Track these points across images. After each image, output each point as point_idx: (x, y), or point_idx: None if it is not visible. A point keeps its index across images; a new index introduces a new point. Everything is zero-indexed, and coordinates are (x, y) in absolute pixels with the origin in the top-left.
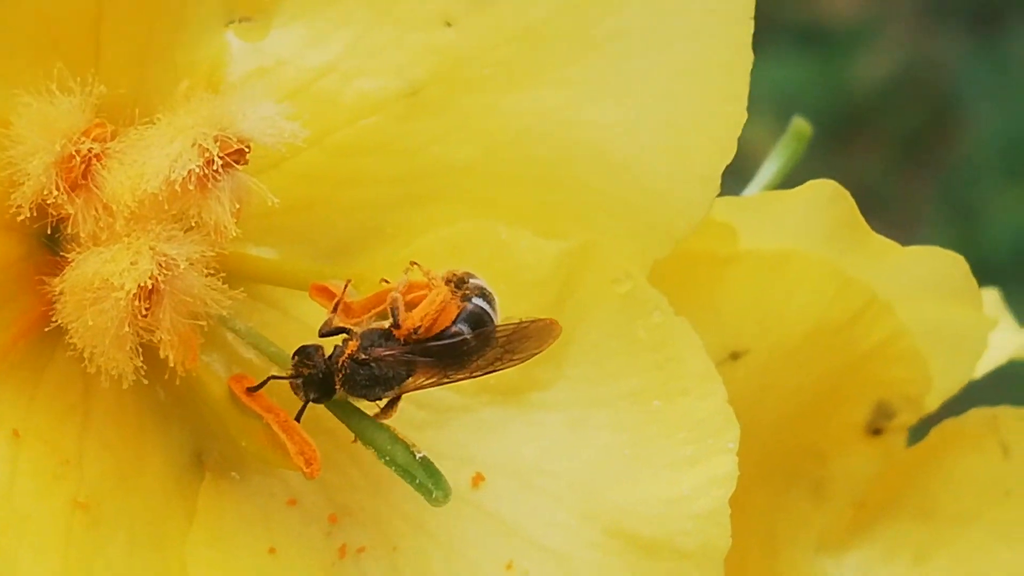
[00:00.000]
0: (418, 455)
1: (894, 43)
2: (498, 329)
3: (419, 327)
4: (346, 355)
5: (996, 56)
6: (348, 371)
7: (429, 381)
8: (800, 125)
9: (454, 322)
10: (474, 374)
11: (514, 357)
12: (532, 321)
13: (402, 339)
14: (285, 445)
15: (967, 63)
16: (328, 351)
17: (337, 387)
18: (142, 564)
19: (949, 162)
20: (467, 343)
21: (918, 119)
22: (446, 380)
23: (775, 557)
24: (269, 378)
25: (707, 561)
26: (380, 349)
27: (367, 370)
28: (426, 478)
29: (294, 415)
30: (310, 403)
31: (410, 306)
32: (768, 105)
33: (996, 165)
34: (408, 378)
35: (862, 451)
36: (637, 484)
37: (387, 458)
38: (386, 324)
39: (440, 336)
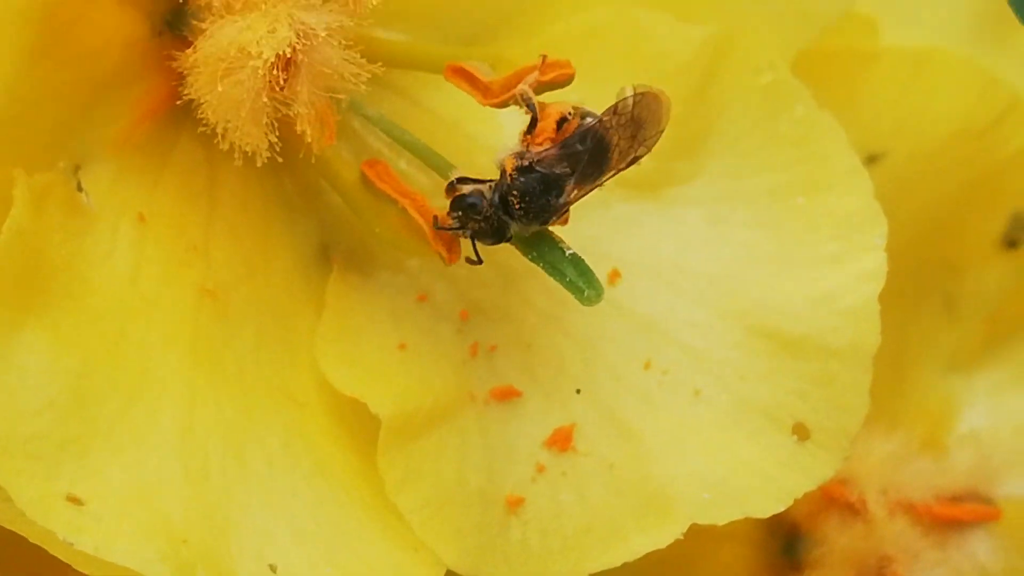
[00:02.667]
0: (568, 251)
1: None
2: (618, 112)
3: (565, 116)
4: (511, 169)
5: None
6: (521, 182)
7: (583, 190)
8: None
9: (579, 128)
10: (617, 168)
11: (645, 142)
12: (641, 95)
13: (541, 139)
14: (423, 229)
15: None
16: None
17: (515, 213)
18: (270, 357)
19: None
20: (607, 127)
21: None
22: (596, 185)
23: (904, 374)
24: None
25: (856, 359)
26: (534, 153)
27: (536, 175)
28: (576, 276)
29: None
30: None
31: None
32: None
33: None
34: (571, 176)
35: (997, 265)
36: (781, 281)
37: (534, 253)
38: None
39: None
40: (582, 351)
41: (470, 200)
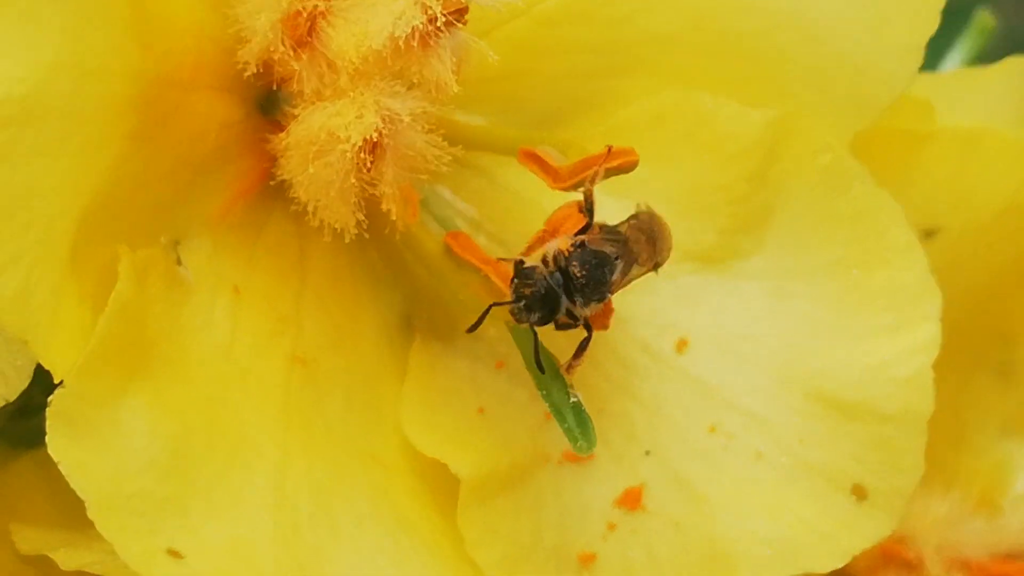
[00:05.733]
0: (572, 398)
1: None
2: (639, 219)
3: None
4: (567, 247)
5: None
6: (579, 254)
7: (624, 279)
8: (984, 18)
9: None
10: (644, 270)
11: (662, 253)
12: (651, 214)
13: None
14: (506, 295)
15: None
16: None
17: (575, 283)
18: (357, 421)
19: None
20: (632, 228)
21: None
22: (630, 279)
23: (960, 439)
24: (491, 305)
25: (909, 425)
26: (584, 236)
27: (590, 251)
28: (575, 424)
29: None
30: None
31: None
32: None
33: None
34: (619, 259)
35: None
36: (838, 350)
37: (544, 392)
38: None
39: None
40: (650, 416)
41: (527, 269)
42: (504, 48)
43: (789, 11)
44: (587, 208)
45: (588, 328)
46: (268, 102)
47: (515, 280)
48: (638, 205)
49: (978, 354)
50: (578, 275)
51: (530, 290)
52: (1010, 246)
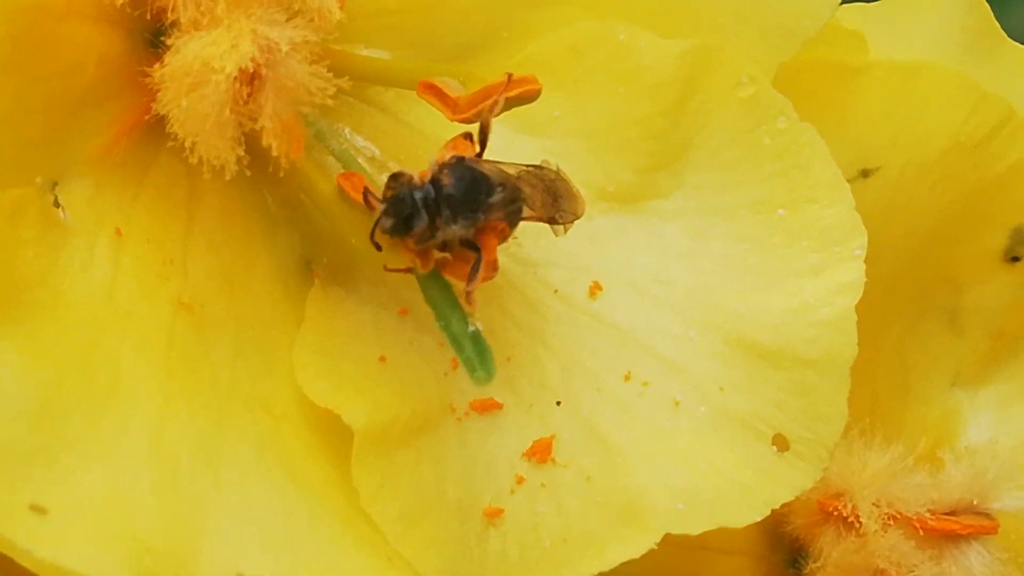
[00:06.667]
0: (471, 328)
1: None
2: (542, 171)
3: None
4: (447, 158)
5: None
6: (454, 164)
7: (506, 211)
8: None
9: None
10: (537, 216)
11: (564, 215)
12: (564, 180)
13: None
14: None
15: None
16: None
17: (442, 190)
18: (247, 369)
19: None
20: (529, 174)
21: None
22: (518, 218)
23: (908, 390)
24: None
25: (831, 369)
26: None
27: (469, 168)
28: (474, 354)
29: None
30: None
31: None
32: None
33: None
34: (501, 187)
35: (999, 279)
36: (758, 293)
37: (443, 323)
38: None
39: None
40: (562, 363)
41: (396, 174)
42: None
43: None
44: (480, 138)
45: (476, 249)
46: (155, 36)
47: (388, 182)
48: (545, 162)
49: (925, 300)
50: (446, 183)
51: (391, 193)
52: (955, 186)
